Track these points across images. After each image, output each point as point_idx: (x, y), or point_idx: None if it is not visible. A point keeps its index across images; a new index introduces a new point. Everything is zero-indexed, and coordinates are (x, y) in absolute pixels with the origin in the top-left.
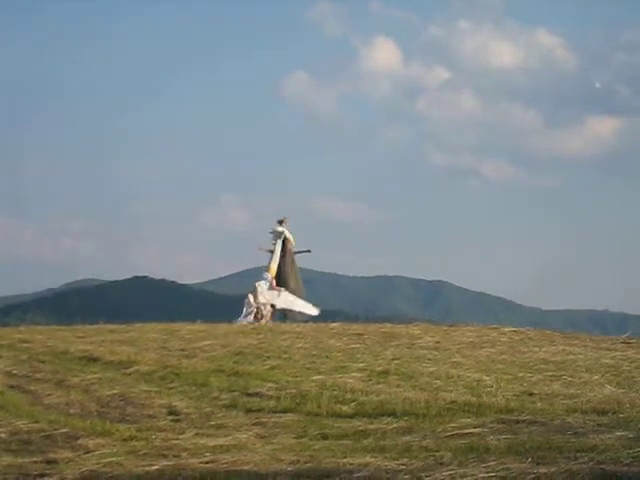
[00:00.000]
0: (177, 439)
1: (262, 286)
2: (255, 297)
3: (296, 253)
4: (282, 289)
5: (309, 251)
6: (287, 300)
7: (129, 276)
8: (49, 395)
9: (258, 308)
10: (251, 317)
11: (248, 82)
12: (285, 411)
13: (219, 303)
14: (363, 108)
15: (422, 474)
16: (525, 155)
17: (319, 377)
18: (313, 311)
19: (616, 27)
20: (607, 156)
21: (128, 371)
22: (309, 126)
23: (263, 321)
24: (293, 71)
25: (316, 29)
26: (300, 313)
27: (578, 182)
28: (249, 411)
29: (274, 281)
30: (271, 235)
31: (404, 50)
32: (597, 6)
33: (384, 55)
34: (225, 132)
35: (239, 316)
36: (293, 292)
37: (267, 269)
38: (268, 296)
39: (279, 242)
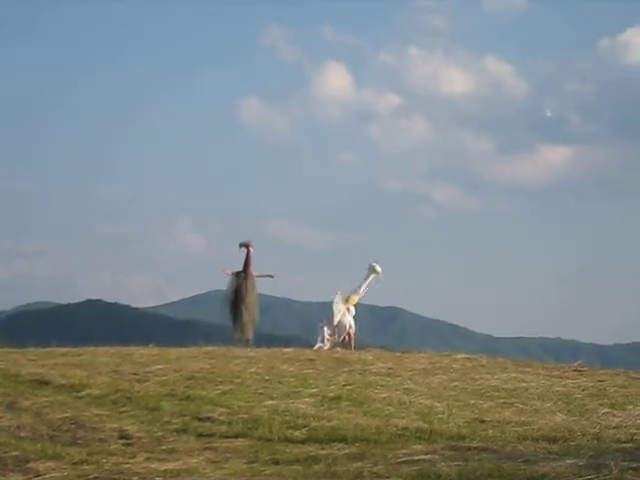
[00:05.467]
0: (128, 463)
1: (348, 317)
2: (331, 326)
3: (258, 277)
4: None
5: (271, 276)
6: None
7: (82, 299)
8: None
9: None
10: (328, 344)
11: (201, 107)
12: (236, 436)
13: (172, 327)
14: (316, 133)
15: None
16: (477, 182)
17: (271, 402)
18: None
19: (566, 56)
20: (558, 184)
21: (80, 394)
22: (262, 151)
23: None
24: (246, 96)
25: (268, 54)
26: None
27: (529, 209)
28: (200, 436)
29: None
30: (367, 270)
31: (356, 76)
32: (546, 35)
33: (336, 80)
34: (179, 156)
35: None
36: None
37: (347, 299)
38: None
39: (372, 276)
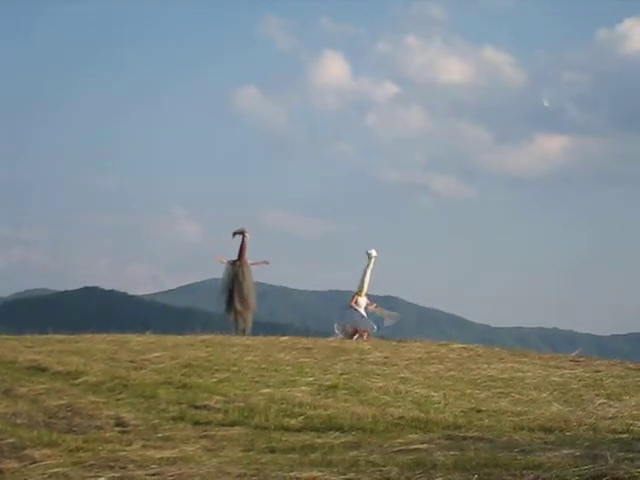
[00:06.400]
0: (124, 450)
1: (361, 312)
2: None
3: (253, 264)
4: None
5: (267, 262)
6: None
7: (79, 286)
8: None
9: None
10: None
11: (199, 96)
12: (233, 424)
13: (169, 315)
14: (313, 122)
15: None
16: (475, 172)
17: (267, 390)
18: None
19: (564, 46)
20: (555, 174)
21: (76, 382)
22: (259, 140)
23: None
24: (243, 85)
25: (266, 43)
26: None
27: (527, 199)
28: (197, 424)
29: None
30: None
31: (353, 65)
32: (544, 26)
33: (333, 70)
34: (176, 145)
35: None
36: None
37: (359, 292)
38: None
39: (367, 263)
